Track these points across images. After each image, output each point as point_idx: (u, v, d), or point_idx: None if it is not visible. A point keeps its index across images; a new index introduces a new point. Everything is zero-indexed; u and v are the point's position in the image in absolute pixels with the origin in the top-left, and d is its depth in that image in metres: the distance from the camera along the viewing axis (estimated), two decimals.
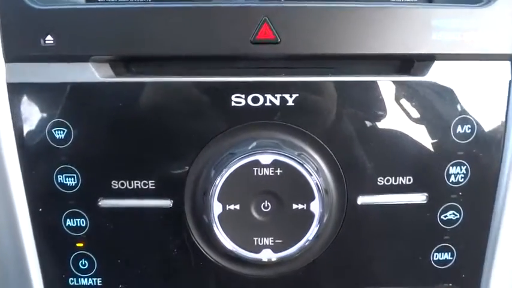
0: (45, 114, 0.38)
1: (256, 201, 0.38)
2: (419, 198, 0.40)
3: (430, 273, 0.42)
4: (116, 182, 0.39)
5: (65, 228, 0.39)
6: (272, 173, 0.37)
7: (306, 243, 0.38)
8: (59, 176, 0.39)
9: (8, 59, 0.38)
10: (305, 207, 0.38)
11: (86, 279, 0.41)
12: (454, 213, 0.41)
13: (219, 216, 0.37)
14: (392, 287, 0.42)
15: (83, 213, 0.39)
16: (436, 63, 0.39)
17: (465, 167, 0.40)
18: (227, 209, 0.37)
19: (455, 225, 0.41)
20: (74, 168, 0.39)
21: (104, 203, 0.39)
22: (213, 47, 0.37)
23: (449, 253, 0.42)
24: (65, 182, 0.39)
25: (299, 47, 0.37)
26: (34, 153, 0.39)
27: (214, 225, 0.37)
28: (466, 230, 0.42)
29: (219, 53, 0.37)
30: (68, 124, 0.38)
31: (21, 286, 0.40)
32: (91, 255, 0.40)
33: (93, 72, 0.38)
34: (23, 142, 0.39)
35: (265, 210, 0.38)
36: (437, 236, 0.41)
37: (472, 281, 0.43)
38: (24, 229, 0.40)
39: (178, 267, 0.40)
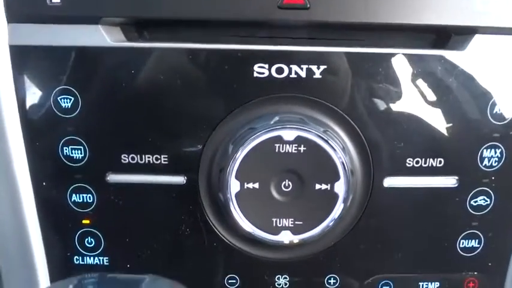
0: (50, 81, 0.35)
1: (276, 180, 0.35)
2: (450, 181, 0.38)
3: (455, 260, 0.40)
4: (126, 156, 0.36)
5: (71, 204, 0.37)
6: (295, 150, 0.35)
7: (328, 226, 0.36)
8: (64, 148, 0.36)
9: (11, 19, 0.35)
10: (329, 188, 0.35)
11: (92, 258, 0.38)
12: (484, 199, 0.39)
13: (236, 195, 0.35)
14: (415, 274, 0.40)
15: (90, 188, 0.37)
16: (477, 37, 0.36)
17: (500, 150, 0.38)
18: (245, 187, 0.35)
19: (485, 212, 0.39)
20: (81, 139, 0.36)
21: (113, 178, 0.37)
22: (235, 11, 0.34)
23: (477, 240, 0.40)
24: (71, 155, 0.36)
25: (329, 14, 0.34)
26: (38, 123, 0.36)
27: (230, 204, 0.35)
28: (496, 217, 0.39)
29: (242, 17, 0.34)
30: (75, 92, 0.35)
31: (23, 265, 0.38)
32: (98, 233, 0.38)
33: (103, 36, 0.35)
34: (26, 111, 0.36)
35: (285, 189, 0.35)
36: (465, 222, 0.39)
37: (498, 271, 0.41)
38: (27, 205, 0.37)
39: (190, 249, 0.38)
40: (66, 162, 0.36)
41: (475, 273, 0.41)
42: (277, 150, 0.34)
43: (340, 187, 0.35)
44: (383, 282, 0.40)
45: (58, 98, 0.35)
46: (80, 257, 0.38)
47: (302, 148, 0.35)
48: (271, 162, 0.35)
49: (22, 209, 0.37)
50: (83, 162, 0.36)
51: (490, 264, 0.41)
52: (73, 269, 0.38)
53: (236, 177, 0.35)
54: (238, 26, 0.36)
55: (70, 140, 0.36)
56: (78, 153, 0.36)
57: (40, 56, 0.35)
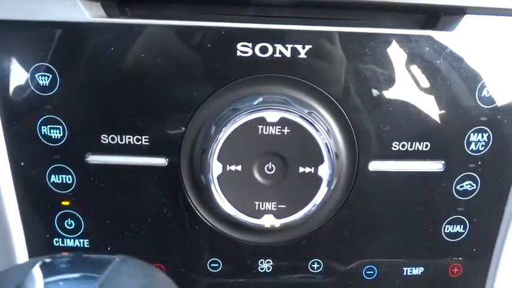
0: (27, 58, 0.34)
1: (259, 163, 0.35)
2: (436, 166, 0.37)
3: (440, 246, 0.40)
4: (106, 137, 0.35)
5: (50, 185, 0.36)
6: (279, 132, 0.34)
7: (312, 210, 0.35)
8: (42, 127, 0.35)
9: None
10: (312, 171, 0.35)
11: (72, 240, 0.38)
12: (470, 184, 0.38)
13: (218, 177, 0.34)
14: (399, 259, 0.40)
15: (69, 169, 0.36)
16: (467, 17, 0.35)
17: (487, 134, 0.37)
18: (227, 169, 0.34)
19: (470, 197, 0.39)
20: (59, 119, 0.35)
21: (93, 158, 0.36)
22: None
23: (462, 226, 0.39)
24: (49, 134, 0.35)
25: None
26: (15, 102, 0.35)
27: (212, 186, 0.34)
28: (482, 203, 0.39)
29: None
30: (53, 69, 0.34)
31: (2, 247, 0.37)
32: (78, 214, 0.37)
33: (82, 11, 0.33)
34: (2, 88, 0.35)
35: (269, 172, 0.35)
36: (450, 207, 0.39)
37: (483, 256, 0.41)
38: (4, 185, 0.36)
39: (172, 231, 0.37)
40: (45, 141, 0.35)
41: (460, 258, 0.40)
42: (260, 132, 0.34)
43: (324, 170, 0.35)
44: (367, 267, 0.39)
45: (35, 75, 0.34)
46: (60, 239, 0.38)
47: (286, 130, 0.34)
48: (254, 144, 0.34)
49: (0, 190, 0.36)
50: (61, 142, 0.35)
51: (474, 249, 0.40)
52: (53, 251, 0.38)
53: (218, 159, 0.34)
54: (224, 4, 0.35)
55: (48, 119, 0.35)
56: (56, 133, 0.35)
57: (16, 31, 0.34)
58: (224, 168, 0.34)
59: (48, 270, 0.22)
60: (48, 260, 0.22)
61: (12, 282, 0.21)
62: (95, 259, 0.22)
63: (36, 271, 0.22)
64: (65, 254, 0.25)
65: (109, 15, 0.35)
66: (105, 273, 0.20)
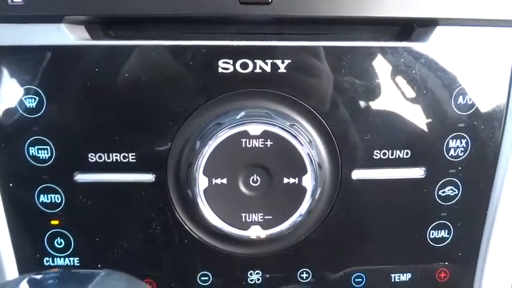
0: (14, 81, 0.35)
1: (244, 175, 0.35)
2: (417, 172, 0.38)
3: (426, 251, 0.40)
4: (93, 155, 0.36)
5: (39, 204, 0.37)
6: (262, 144, 0.35)
7: (297, 220, 0.36)
8: (30, 148, 0.36)
9: None
10: (297, 182, 0.35)
11: (62, 258, 0.38)
12: (452, 189, 0.39)
13: (204, 191, 0.35)
14: (386, 266, 0.40)
15: (57, 188, 0.36)
16: (439, 29, 0.36)
17: (465, 140, 0.38)
18: (213, 183, 0.35)
19: (453, 202, 0.40)
20: (46, 139, 0.36)
21: (80, 177, 0.36)
22: (198, 7, 0.34)
23: (446, 231, 0.40)
24: (37, 155, 0.36)
25: (291, 9, 0.34)
26: (3, 124, 0.36)
27: (199, 200, 0.35)
28: (464, 207, 0.40)
29: (204, 13, 0.34)
30: (40, 91, 0.35)
31: None
32: (67, 233, 0.37)
33: (67, 35, 0.35)
34: None
35: (254, 184, 0.36)
36: (434, 213, 0.40)
37: (469, 260, 0.41)
38: None
39: (161, 246, 0.38)
40: (33, 162, 0.36)
41: (446, 263, 0.41)
42: (244, 145, 0.35)
43: (308, 181, 0.35)
44: (355, 274, 0.40)
45: (23, 98, 0.35)
46: (50, 258, 0.38)
47: (269, 142, 0.35)
48: (238, 157, 0.35)
49: None
50: (49, 162, 0.36)
51: (460, 254, 0.41)
52: (43, 270, 0.38)
53: (204, 173, 0.35)
54: (203, 22, 0.37)
55: (36, 140, 0.36)
56: (44, 153, 0.36)
57: (4, 55, 0.35)
58: (210, 181, 0.35)
59: (35, 286, 0.22)
60: (36, 277, 0.22)
61: None
62: (82, 274, 0.23)
63: (24, 287, 0.22)
64: (53, 270, 0.26)
65: (93, 38, 0.36)
66: (90, 286, 0.20)
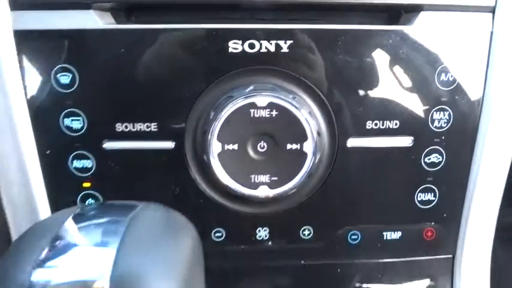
0: (50, 61, 0.40)
1: (253, 141, 0.40)
2: (405, 141, 0.43)
3: (414, 212, 0.45)
4: (120, 125, 0.41)
5: (72, 169, 0.42)
6: (268, 114, 0.40)
7: (300, 181, 0.41)
8: (65, 120, 0.41)
9: (14, 6, 0.39)
10: (298, 147, 0.40)
11: None
12: (437, 156, 0.44)
13: (218, 155, 0.40)
14: (379, 225, 0.45)
15: (88, 155, 0.41)
16: (423, 14, 0.41)
17: (448, 112, 0.43)
18: (225, 148, 0.40)
19: (438, 168, 0.44)
20: (79, 111, 0.41)
21: (109, 145, 0.41)
22: None
23: (432, 194, 0.45)
24: (71, 125, 0.41)
25: None
26: (41, 99, 0.41)
27: (214, 163, 0.40)
28: (448, 173, 0.45)
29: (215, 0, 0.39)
30: (73, 69, 0.40)
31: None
32: (97, 194, 0.42)
33: (95, 20, 0.40)
34: (30, 88, 0.40)
35: (261, 150, 0.41)
36: (421, 178, 0.44)
37: (453, 220, 0.46)
38: (33, 172, 0.42)
39: (180, 206, 0.42)
40: (67, 132, 0.41)
41: (432, 223, 0.46)
42: (252, 115, 0.40)
43: (308, 146, 0.40)
44: (351, 232, 0.45)
45: (57, 76, 0.40)
46: None
47: (274, 113, 0.40)
48: (247, 125, 0.40)
49: (29, 176, 0.42)
50: (81, 132, 0.41)
51: (445, 215, 0.46)
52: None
53: (218, 139, 0.40)
54: (216, 9, 0.41)
55: (70, 112, 0.41)
56: (77, 124, 0.41)
57: (41, 38, 0.40)
58: (223, 147, 0.40)
59: (79, 218, 0.27)
60: (78, 210, 0.27)
61: (49, 230, 0.25)
62: (120, 205, 0.27)
63: (69, 219, 0.27)
64: (93, 203, 0.29)
65: (118, 22, 0.41)
66: (132, 213, 0.25)
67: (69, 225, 0.26)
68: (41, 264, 0.22)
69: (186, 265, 0.25)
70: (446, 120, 0.43)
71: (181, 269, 0.24)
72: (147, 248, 0.23)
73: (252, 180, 0.41)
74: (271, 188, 0.41)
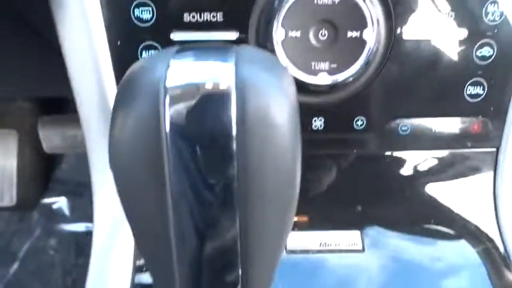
0: None
1: (314, 29, 0.42)
2: (459, 33, 0.45)
3: (463, 105, 0.47)
4: (188, 15, 0.43)
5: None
6: (330, 2, 0.41)
7: (358, 69, 0.43)
8: (135, 10, 0.43)
9: None
10: (358, 35, 0.42)
11: None
12: (488, 50, 0.46)
13: (282, 42, 0.42)
14: (429, 118, 0.47)
15: (157, 45, 0.44)
16: None
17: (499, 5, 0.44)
18: (288, 36, 0.42)
19: (488, 61, 0.46)
20: (149, 1, 0.43)
21: (176, 35, 0.43)
22: None
23: (481, 87, 0.47)
24: (141, 16, 0.43)
25: None
26: None
27: (277, 49, 0.42)
28: (498, 67, 0.46)
29: None
30: None
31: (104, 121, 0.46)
32: None
33: None
34: None
35: (322, 38, 0.43)
36: (471, 71, 0.46)
37: (499, 114, 0.48)
38: (103, 62, 0.44)
39: None
40: (137, 23, 0.43)
41: (480, 116, 0.48)
42: (315, 2, 0.41)
43: (368, 34, 0.42)
44: (402, 123, 0.47)
45: None
46: None
47: (336, 0, 0.41)
48: (310, 13, 0.42)
49: (100, 67, 0.44)
50: (151, 22, 0.43)
51: (492, 108, 0.48)
52: None
53: (282, 25, 0.42)
54: None
55: (140, 3, 0.43)
56: (147, 14, 0.43)
57: None
58: (286, 34, 0.42)
59: (184, 50, 0.27)
60: (180, 47, 0.27)
61: (164, 57, 0.26)
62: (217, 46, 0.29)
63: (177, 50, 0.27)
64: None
65: None
66: (234, 47, 0.27)
67: (181, 52, 0.27)
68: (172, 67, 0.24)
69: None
70: (499, 14, 0.44)
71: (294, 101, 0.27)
72: (264, 66, 0.26)
73: (312, 68, 0.43)
74: (330, 75, 0.43)
